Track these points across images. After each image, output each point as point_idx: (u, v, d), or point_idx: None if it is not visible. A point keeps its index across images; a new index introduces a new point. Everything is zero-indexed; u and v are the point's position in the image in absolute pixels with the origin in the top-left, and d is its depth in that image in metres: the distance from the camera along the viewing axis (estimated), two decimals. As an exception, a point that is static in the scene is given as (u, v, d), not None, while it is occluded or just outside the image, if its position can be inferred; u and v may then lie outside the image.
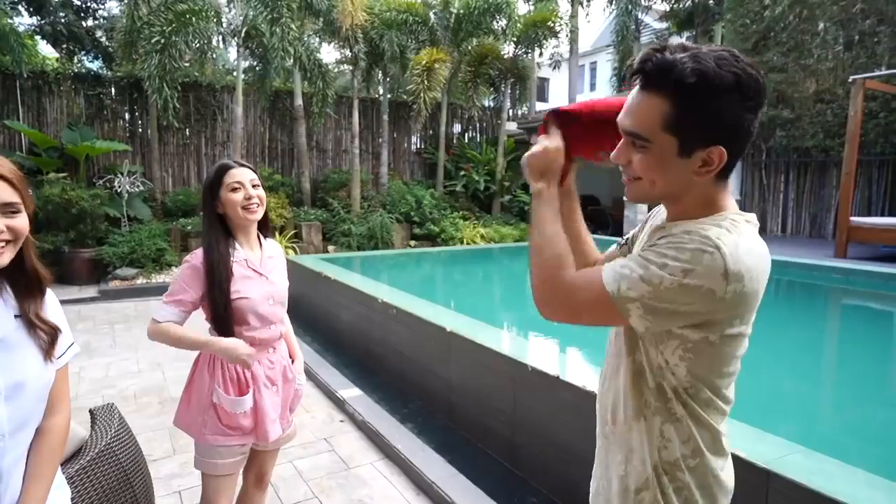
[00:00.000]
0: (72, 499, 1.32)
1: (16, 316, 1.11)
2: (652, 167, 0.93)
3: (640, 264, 0.89)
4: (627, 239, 1.22)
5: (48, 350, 1.14)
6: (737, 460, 1.06)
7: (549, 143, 1.07)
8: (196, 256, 1.79)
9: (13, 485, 1.11)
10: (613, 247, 1.26)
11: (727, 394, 1.00)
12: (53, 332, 1.16)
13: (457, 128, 14.85)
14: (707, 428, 0.98)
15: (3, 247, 1.06)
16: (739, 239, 0.88)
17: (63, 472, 1.33)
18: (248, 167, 1.86)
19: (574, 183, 1.20)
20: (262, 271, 1.87)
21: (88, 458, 1.52)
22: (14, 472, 1.11)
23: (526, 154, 1.09)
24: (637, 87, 0.93)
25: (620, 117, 0.95)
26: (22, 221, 1.08)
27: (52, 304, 1.21)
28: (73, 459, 1.52)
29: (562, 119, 1.10)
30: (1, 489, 1.08)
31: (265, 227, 1.98)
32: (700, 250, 0.85)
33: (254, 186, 1.82)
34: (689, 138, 0.89)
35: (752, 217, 0.97)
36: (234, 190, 1.79)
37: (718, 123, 0.88)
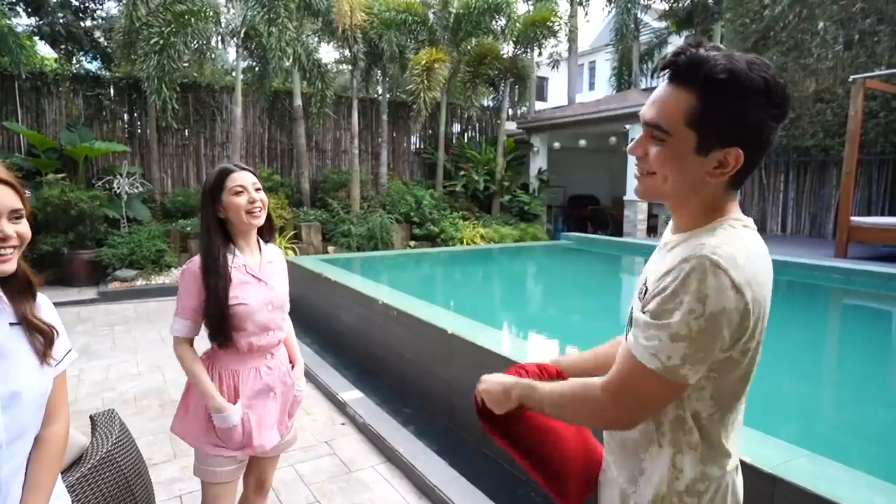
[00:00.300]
0: (72, 508, 1.31)
1: (11, 324, 1.11)
2: (668, 161, 0.92)
3: (659, 326, 0.87)
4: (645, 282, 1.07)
5: (45, 352, 1.13)
6: (742, 465, 1.06)
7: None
8: (194, 263, 1.78)
9: (13, 495, 1.10)
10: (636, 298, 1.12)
11: (740, 406, 0.99)
12: (50, 332, 1.15)
13: (456, 128, 14.85)
14: (718, 449, 0.97)
15: (11, 253, 1.07)
16: (736, 248, 0.87)
17: (63, 481, 1.32)
18: (249, 170, 1.85)
19: (532, 388, 1.17)
20: (261, 277, 1.85)
21: (89, 465, 1.51)
22: (13, 483, 1.10)
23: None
24: (666, 79, 0.92)
25: (644, 109, 0.95)
26: (26, 226, 1.11)
27: (48, 309, 1.21)
28: (74, 467, 1.51)
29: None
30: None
31: (269, 232, 1.97)
32: (703, 274, 0.84)
33: (256, 190, 1.81)
34: (709, 135, 0.89)
35: (750, 221, 0.97)
36: (237, 194, 1.77)
37: (741, 124, 0.87)
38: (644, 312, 0.91)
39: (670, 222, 1.08)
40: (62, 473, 1.29)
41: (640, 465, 1.02)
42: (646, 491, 1.01)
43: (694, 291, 0.84)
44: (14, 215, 1.07)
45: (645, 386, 0.91)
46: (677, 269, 0.87)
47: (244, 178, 1.79)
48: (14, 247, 1.08)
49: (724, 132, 0.88)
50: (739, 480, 1.04)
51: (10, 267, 1.08)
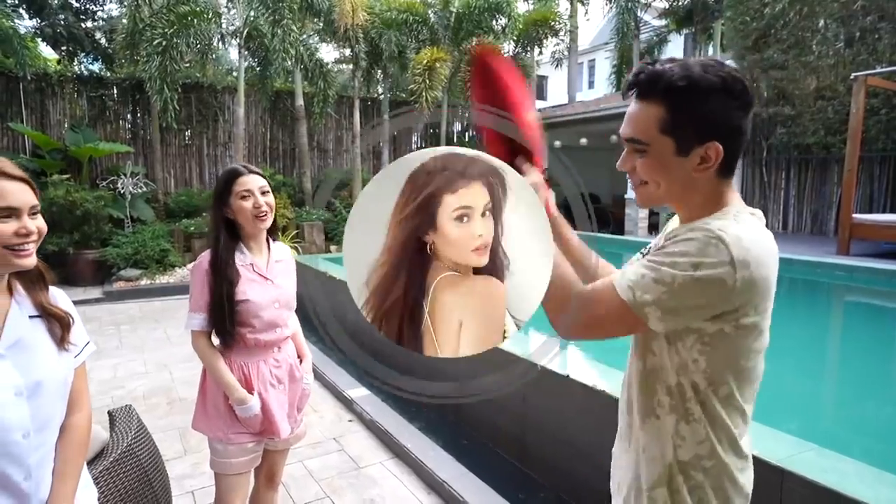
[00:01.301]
0: (97, 499, 1.34)
1: (30, 316, 1.15)
2: (654, 169, 0.99)
3: (650, 268, 0.93)
4: (649, 248, 1.23)
5: (62, 336, 1.18)
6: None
7: (528, 178, 1.10)
8: (204, 259, 1.81)
9: (45, 481, 1.14)
10: (636, 256, 1.26)
11: (747, 393, 1.01)
12: (66, 318, 1.20)
13: (457, 126, 14.87)
14: (724, 429, 0.99)
15: (33, 247, 1.12)
16: (742, 230, 0.92)
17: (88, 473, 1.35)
18: (258, 173, 1.86)
19: (557, 211, 1.21)
20: (268, 276, 1.88)
21: (111, 459, 1.55)
22: (42, 471, 1.14)
23: None
24: (633, 98, 1.00)
25: (622, 128, 1.01)
26: (42, 221, 1.15)
27: (64, 300, 1.26)
28: (97, 461, 1.55)
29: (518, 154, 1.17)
30: (31, 487, 1.10)
31: (272, 230, 2.00)
32: (705, 243, 0.89)
33: (263, 193, 1.82)
34: (684, 137, 0.95)
35: (757, 211, 1.01)
36: (244, 198, 1.79)
37: (709, 121, 0.94)
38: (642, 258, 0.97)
39: (675, 217, 1.12)
40: (86, 465, 1.32)
41: (641, 443, 1.05)
42: (650, 464, 1.04)
43: (692, 254, 0.90)
44: (32, 211, 1.12)
45: (610, 313, 0.96)
46: (683, 234, 0.94)
47: (252, 182, 1.81)
48: (35, 241, 1.12)
49: (696, 131, 0.95)
50: (749, 475, 1.05)
51: (33, 261, 1.12)
